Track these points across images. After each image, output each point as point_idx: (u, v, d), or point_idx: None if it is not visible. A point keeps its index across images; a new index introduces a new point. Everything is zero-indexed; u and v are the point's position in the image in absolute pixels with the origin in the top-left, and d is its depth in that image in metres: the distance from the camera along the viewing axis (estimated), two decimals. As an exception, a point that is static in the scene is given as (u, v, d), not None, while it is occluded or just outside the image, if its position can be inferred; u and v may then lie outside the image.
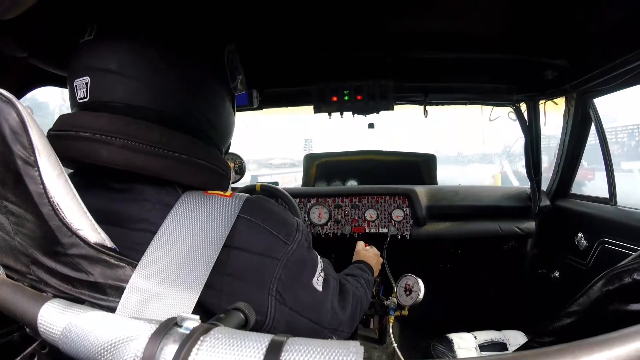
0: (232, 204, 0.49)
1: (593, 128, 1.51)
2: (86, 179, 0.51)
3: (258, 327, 0.48)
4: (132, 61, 0.49)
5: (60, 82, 0.94)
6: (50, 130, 0.50)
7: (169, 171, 0.49)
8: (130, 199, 0.48)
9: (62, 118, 0.51)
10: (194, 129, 0.54)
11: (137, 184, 0.49)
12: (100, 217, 0.44)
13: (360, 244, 1.16)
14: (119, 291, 0.42)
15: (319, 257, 0.59)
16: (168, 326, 0.31)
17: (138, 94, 0.49)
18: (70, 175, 0.52)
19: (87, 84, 0.49)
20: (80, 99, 0.50)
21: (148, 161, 0.47)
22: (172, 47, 0.53)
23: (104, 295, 0.42)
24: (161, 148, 0.48)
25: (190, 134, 0.53)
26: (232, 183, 1.48)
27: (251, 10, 0.90)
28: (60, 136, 0.48)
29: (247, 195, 0.53)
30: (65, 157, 0.47)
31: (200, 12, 0.60)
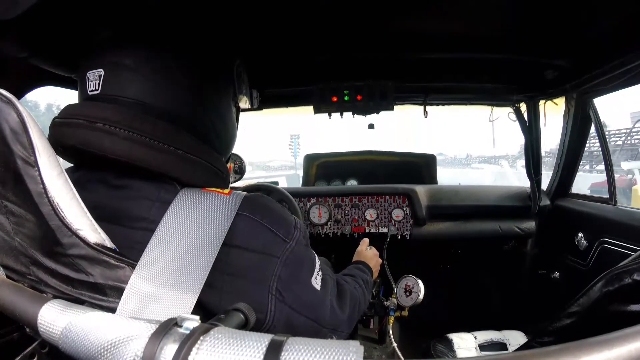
0: (231, 201, 0.49)
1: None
2: (86, 175, 0.51)
3: (258, 326, 0.48)
4: (149, 61, 0.51)
5: (60, 82, 0.94)
6: (55, 118, 0.51)
7: (170, 167, 0.49)
8: (129, 196, 0.48)
9: (68, 107, 0.51)
10: (199, 134, 0.55)
11: (137, 181, 0.49)
12: (100, 213, 0.44)
13: (365, 243, 1.15)
14: (118, 292, 0.41)
15: (316, 256, 0.59)
16: (168, 326, 0.31)
17: (150, 92, 0.51)
18: (70, 171, 0.52)
19: (100, 76, 0.50)
20: (91, 90, 0.50)
21: (150, 155, 0.48)
22: (188, 53, 0.55)
23: (103, 296, 0.42)
24: (164, 143, 0.49)
25: (195, 137, 0.54)
26: (232, 183, 1.48)
27: (254, 13, 0.90)
28: (64, 123, 0.49)
29: (245, 192, 0.53)
30: (67, 145, 0.48)
31: (213, 23, 0.61)
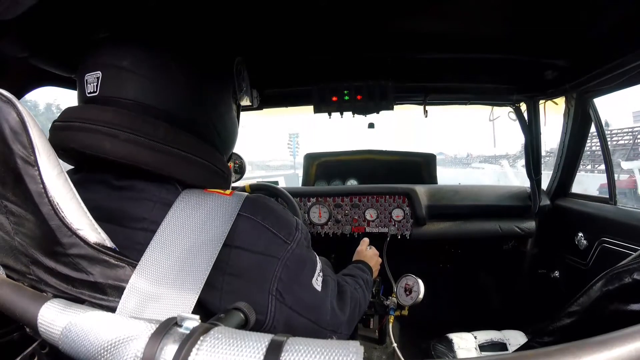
0: (232, 202, 0.49)
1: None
2: (87, 176, 0.51)
3: (258, 327, 0.48)
4: (145, 61, 0.51)
5: (60, 82, 0.94)
6: (55, 121, 0.51)
7: (172, 168, 0.49)
8: (130, 197, 0.48)
9: (68, 110, 0.51)
10: (200, 134, 0.55)
11: (138, 181, 0.49)
12: (101, 214, 0.44)
13: (365, 242, 1.15)
14: (118, 291, 0.41)
15: (317, 257, 0.59)
16: (168, 326, 0.31)
17: (148, 93, 0.50)
18: (71, 172, 0.52)
19: (98, 78, 0.50)
20: (90, 93, 0.50)
21: (152, 156, 0.48)
22: (187, 52, 0.54)
23: (104, 295, 0.42)
24: (166, 144, 0.49)
25: (196, 137, 0.54)
26: (232, 182, 1.48)
27: (254, 12, 0.90)
28: (65, 127, 0.49)
29: (247, 193, 0.53)
30: (67, 148, 0.48)
31: (212, 22, 0.61)
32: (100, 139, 0.47)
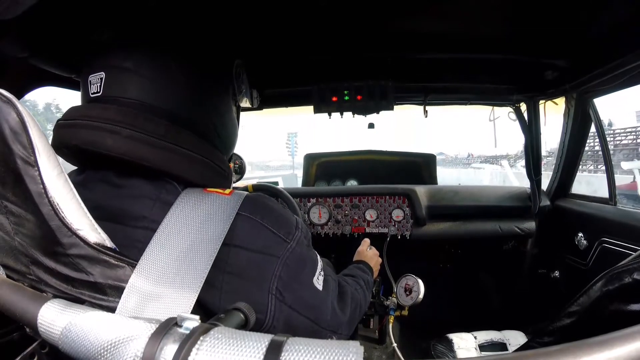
0: (232, 202, 0.49)
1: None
2: (90, 176, 0.52)
3: (258, 326, 0.48)
4: (147, 62, 0.52)
5: (60, 83, 0.94)
6: (59, 120, 0.52)
7: (172, 164, 0.50)
8: (131, 195, 0.49)
9: (72, 109, 0.52)
10: (201, 134, 0.55)
11: (139, 180, 0.49)
12: (101, 213, 0.44)
13: (366, 243, 1.15)
14: (118, 291, 0.41)
15: (318, 256, 0.59)
16: (168, 326, 0.31)
17: (149, 93, 0.51)
18: (75, 173, 0.53)
19: (101, 79, 0.51)
20: (93, 93, 0.51)
21: (152, 153, 0.48)
22: (188, 54, 0.55)
23: (104, 295, 0.42)
24: (167, 141, 0.49)
25: (197, 136, 0.54)
26: (232, 182, 1.48)
27: (253, 13, 0.90)
28: (68, 125, 0.50)
29: (246, 193, 0.53)
30: (70, 145, 0.49)
31: (212, 22, 0.62)
32: (102, 136, 0.47)
